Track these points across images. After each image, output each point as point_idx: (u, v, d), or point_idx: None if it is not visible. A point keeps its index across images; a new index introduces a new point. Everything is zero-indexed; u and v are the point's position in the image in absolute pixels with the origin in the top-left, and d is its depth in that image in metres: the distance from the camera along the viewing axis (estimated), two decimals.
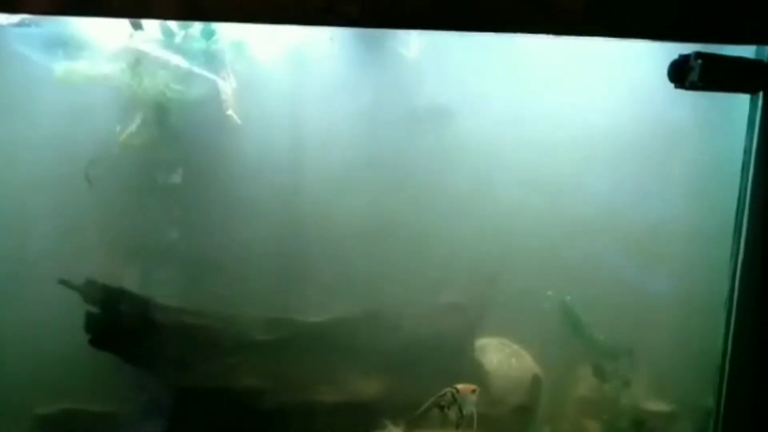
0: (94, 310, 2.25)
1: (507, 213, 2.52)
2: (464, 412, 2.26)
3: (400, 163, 2.50)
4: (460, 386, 2.29)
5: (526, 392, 2.51)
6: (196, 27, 2.23)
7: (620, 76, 2.45)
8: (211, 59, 2.27)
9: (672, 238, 2.56)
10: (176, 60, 2.25)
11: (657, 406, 2.54)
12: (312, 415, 2.37)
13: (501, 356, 2.56)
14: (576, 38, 2.16)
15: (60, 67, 2.19)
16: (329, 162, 2.45)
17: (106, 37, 2.16)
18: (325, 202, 2.47)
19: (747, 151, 2.22)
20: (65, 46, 2.18)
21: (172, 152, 2.33)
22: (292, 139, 2.44)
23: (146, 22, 2.20)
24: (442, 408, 2.28)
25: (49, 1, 1.76)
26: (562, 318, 2.54)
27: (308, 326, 2.38)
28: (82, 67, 2.19)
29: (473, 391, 2.29)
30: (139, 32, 2.11)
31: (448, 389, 2.27)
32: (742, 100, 2.19)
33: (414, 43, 2.39)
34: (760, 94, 2.05)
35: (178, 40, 2.24)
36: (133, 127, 2.25)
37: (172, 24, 2.22)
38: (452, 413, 2.27)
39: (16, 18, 2.04)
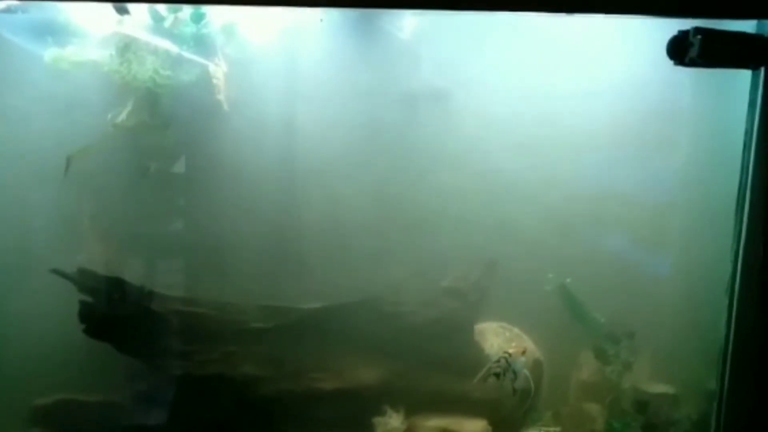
0: (87, 299, 2.24)
1: (506, 197, 2.51)
2: (518, 375, 2.35)
3: (397, 147, 2.48)
4: (511, 350, 2.38)
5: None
6: (186, 11, 2.21)
7: (618, 55, 2.42)
8: (201, 43, 2.25)
9: (674, 220, 2.54)
10: (166, 45, 2.23)
11: (659, 388, 2.53)
12: (311, 402, 2.36)
13: (501, 340, 2.54)
14: (573, 16, 2.15)
15: (49, 53, 2.17)
16: (325, 147, 2.43)
17: (95, 22, 2.14)
18: (321, 188, 2.46)
19: (748, 132, 2.19)
20: (54, 32, 2.16)
21: (163, 138, 2.31)
22: (285, 124, 2.42)
23: (134, 7, 2.17)
24: (498, 375, 2.36)
25: None
26: (562, 301, 2.52)
27: (306, 313, 2.37)
28: (70, 53, 2.18)
29: (523, 352, 2.38)
30: (126, 17, 2.08)
31: (501, 355, 2.35)
32: (744, 80, 2.16)
33: (408, 24, 2.36)
34: (762, 70, 2.02)
35: (167, 24, 2.22)
36: (123, 112, 2.23)
37: (161, 8, 2.19)
38: (508, 379, 2.35)
39: (2, 4, 2.03)
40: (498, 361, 2.35)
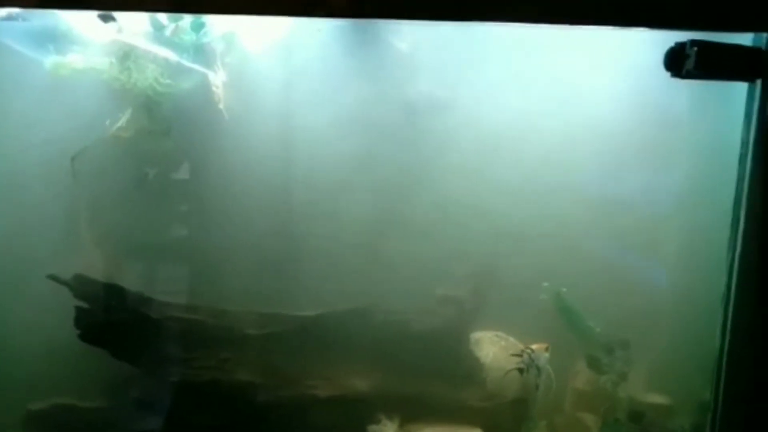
0: (83, 305, 2.24)
1: (502, 206, 2.50)
2: (541, 371, 2.38)
3: (394, 156, 2.48)
4: (534, 346, 2.40)
5: (522, 385, 2.48)
6: (186, 20, 2.22)
7: (615, 66, 2.42)
8: (201, 52, 2.26)
9: (669, 230, 2.54)
10: (166, 53, 2.23)
11: (654, 398, 2.53)
12: (306, 410, 2.36)
13: (496, 349, 2.54)
14: (571, 27, 2.16)
15: (49, 60, 2.18)
16: (322, 156, 2.44)
17: (95, 30, 2.15)
18: (318, 196, 2.46)
19: (744, 143, 2.19)
20: (54, 39, 2.17)
21: (162, 145, 2.31)
22: (284, 132, 2.42)
23: (135, 15, 2.18)
24: (521, 371, 2.37)
25: None
26: (557, 310, 2.52)
27: (301, 320, 2.37)
28: (71, 60, 2.18)
29: (546, 348, 2.40)
30: (111, 24, 2.09)
31: (524, 351, 2.37)
32: (740, 90, 2.17)
33: (407, 35, 2.37)
34: (758, 82, 2.03)
35: (167, 33, 2.23)
36: (122, 120, 2.24)
37: (162, 17, 2.20)
38: (531, 375, 2.37)
39: (3, 11, 2.03)
40: (520, 355, 2.36)
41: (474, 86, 2.46)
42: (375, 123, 2.46)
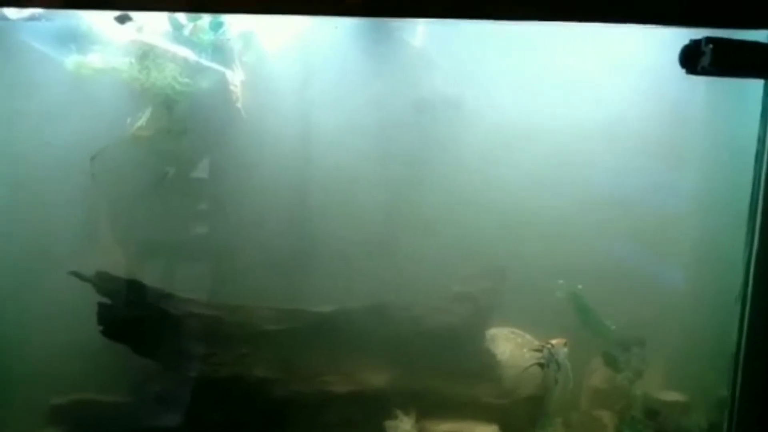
0: (106, 301, 2.27)
1: (517, 203, 2.52)
2: (561, 366, 2.40)
3: (409, 154, 2.51)
4: (553, 341, 2.42)
5: (538, 382, 2.49)
6: (205, 19, 2.25)
7: (631, 63, 2.43)
8: (220, 51, 2.29)
9: (685, 227, 2.54)
10: (184, 52, 2.27)
11: (671, 396, 2.53)
12: (323, 405, 2.38)
13: (512, 346, 2.55)
14: (586, 24, 2.17)
15: (70, 60, 2.22)
16: (338, 153, 2.47)
17: (115, 30, 2.18)
18: (335, 194, 2.49)
19: (761, 140, 2.20)
20: (75, 39, 2.21)
21: (181, 144, 2.35)
22: (300, 131, 2.45)
23: (155, 15, 2.22)
24: (542, 366, 2.39)
25: None
26: (573, 308, 2.53)
27: (319, 316, 2.40)
28: (91, 60, 2.22)
29: (564, 344, 2.43)
30: (130, 24, 2.12)
31: (544, 346, 2.39)
32: (756, 88, 2.17)
33: (422, 31, 2.39)
34: None
35: (186, 32, 2.26)
36: (142, 119, 2.28)
37: (181, 16, 2.24)
38: (552, 370, 2.39)
39: (26, 12, 2.08)
40: (540, 350, 2.38)
41: (489, 84, 2.48)
42: (390, 121, 2.48)
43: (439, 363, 2.43)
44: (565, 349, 2.42)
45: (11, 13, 2.07)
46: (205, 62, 2.29)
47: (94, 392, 2.37)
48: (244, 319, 2.37)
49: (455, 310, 2.48)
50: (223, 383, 2.33)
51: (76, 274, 2.24)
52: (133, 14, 2.12)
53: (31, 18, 2.09)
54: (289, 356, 2.38)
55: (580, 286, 2.51)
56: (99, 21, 2.18)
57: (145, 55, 2.22)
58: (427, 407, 2.46)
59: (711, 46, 1.93)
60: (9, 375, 2.35)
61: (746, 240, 2.21)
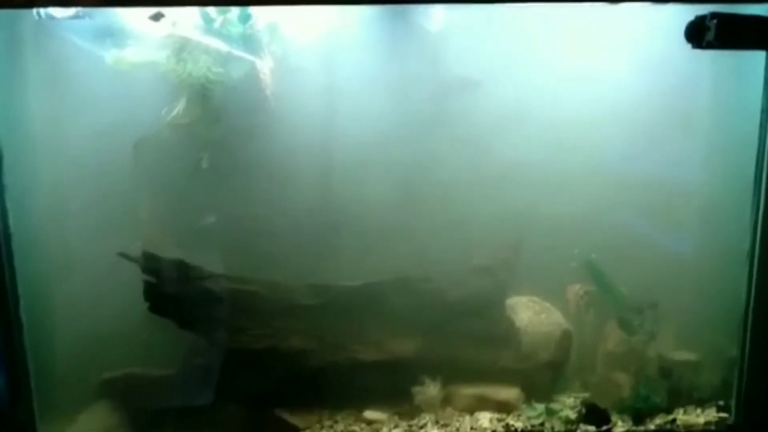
0: (151, 279, 2.37)
1: (534, 180, 2.59)
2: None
3: (432, 134, 2.58)
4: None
5: (557, 347, 2.60)
6: (233, 12, 2.34)
7: (638, 40, 2.51)
8: (249, 42, 2.37)
9: (694, 193, 2.62)
10: (216, 44, 2.35)
11: (683, 356, 2.61)
12: (354, 373, 2.48)
13: (531, 313, 2.64)
14: (595, 4, 2.26)
15: (110, 55, 2.31)
16: (363, 135, 2.54)
17: (152, 25, 2.26)
18: (360, 175, 2.57)
19: (764, 110, 2.29)
20: (115, 35, 2.29)
21: (216, 130, 2.43)
22: (327, 114, 2.52)
23: (187, 10, 2.32)
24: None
25: None
26: (588, 275, 2.62)
27: (348, 291, 2.48)
28: (130, 54, 2.30)
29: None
30: (164, 20, 2.20)
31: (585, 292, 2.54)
32: (760, 61, 2.26)
33: (441, 18, 2.46)
34: None
35: (216, 25, 2.34)
36: (179, 108, 2.36)
37: (211, 10, 2.33)
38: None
39: (71, 11, 2.18)
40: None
41: (505, 67, 2.55)
42: (415, 105, 2.55)
43: (462, 331, 2.52)
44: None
45: (57, 12, 2.18)
46: (236, 53, 2.37)
47: (142, 366, 2.48)
48: (279, 295, 2.46)
49: (475, 282, 2.56)
50: (261, 354, 2.43)
51: (124, 255, 2.33)
52: (166, 10, 2.23)
53: (75, 16, 2.19)
54: (322, 328, 2.47)
55: (594, 255, 2.60)
56: (136, 17, 2.27)
57: (182, 48, 2.30)
58: (452, 373, 2.56)
59: (715, 21, 2.02)
60: (65, 352, 2.44)
61: (753, 205, 2.31)
